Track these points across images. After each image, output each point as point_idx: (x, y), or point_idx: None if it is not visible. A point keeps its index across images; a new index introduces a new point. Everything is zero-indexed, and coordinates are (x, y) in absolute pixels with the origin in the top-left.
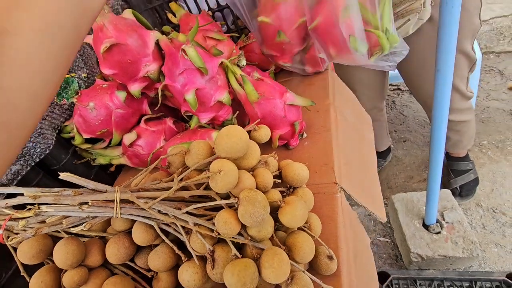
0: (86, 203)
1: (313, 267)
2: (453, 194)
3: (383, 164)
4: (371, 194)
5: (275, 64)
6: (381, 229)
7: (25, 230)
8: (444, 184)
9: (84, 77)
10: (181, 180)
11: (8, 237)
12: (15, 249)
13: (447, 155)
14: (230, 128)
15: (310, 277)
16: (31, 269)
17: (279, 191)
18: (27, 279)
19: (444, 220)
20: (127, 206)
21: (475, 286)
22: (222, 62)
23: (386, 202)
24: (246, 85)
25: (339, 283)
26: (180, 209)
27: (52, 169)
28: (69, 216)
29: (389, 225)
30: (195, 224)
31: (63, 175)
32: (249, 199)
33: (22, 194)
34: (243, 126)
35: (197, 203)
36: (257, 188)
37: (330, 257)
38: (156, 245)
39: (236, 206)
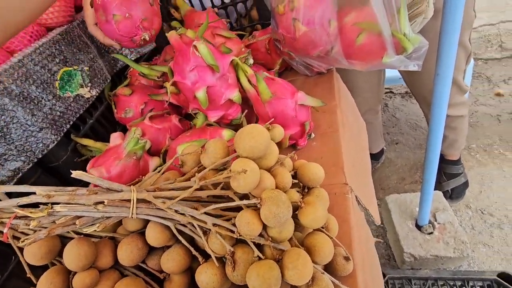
0: (102, 202)
1: (329, 268)
2: (444, 196)
3: (376, 165)
4: (369, 197)
5: (281, 53)
6: (374, 229)
7: (36, 231)
8: (436, 186)
9: (87, 70)
10: (199, 179)
11: (14, 236)
12: (20, 249)
13: (441, 158)
14: (253, 127)
15: (329, 278)
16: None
17: (296, 191)
18: (34, 281)
19: (436, 221)
20: (143, 206)
21: (467, 285)
22: (232, 60)
23: (379, 203)
24: (259, 83)
25: (355, 283)
26: (197, 209)
27: (50, 166)
28: (82, 216)
29: (382, 225)
30: (214, 225)
31: (76, 174)
32: (272, 199)
33: (34, 193)
34: None
35: (213, 204)
36: (276, 188)
37: (346, 258)
38: (168, 247)
39: (259, 206)
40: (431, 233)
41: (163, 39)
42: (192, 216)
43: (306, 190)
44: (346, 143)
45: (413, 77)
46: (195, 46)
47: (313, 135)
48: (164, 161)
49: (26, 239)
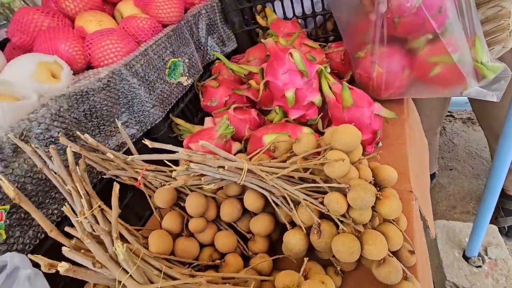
0: (223, 167)
1: (395, 257)
2: (499, 232)
3: None
4: (428, 211)
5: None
6: None
7: (161, 182)
8: (491, 220)
9: (187, 61)
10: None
11: (144, 184)
12: (149, 195)
13: (501, 192)
14: (348, 127)
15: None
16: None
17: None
18: (159, 218)
19: (487, 255)
20: (249, 175)
21: None
22: (318, 68)
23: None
24: (344, 91)
25: (416, 275)
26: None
27: (151, 137)
28: (206, 175)
29: None
30: (304, 200)
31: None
32: (361, 186)
33: (177, 152)
34: (322, 127)
35: (301, 184)
36: None
37: (411, 252)
38: (254, 215)
39: (347, 190)
40: (480, 266)
41: (241, 40)
42: (286, 190)
43: (378, 189)
44: (412, 156)
45: (482, 104)
46: (290, 54)
47: (380, 143)
48: (245, 147)
49: (170, 183)
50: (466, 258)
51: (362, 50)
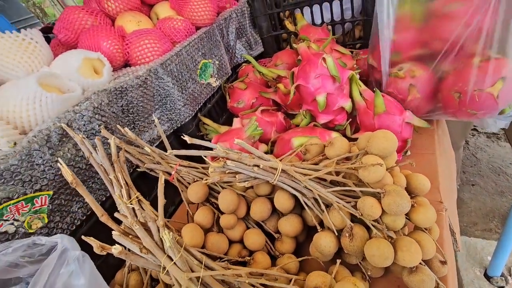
0: (258, 165)
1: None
2: None
3: None
4: (455, 223)
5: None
6: None
7: (193, 178)
8: None
9: (217, 63)
10: (325, 166)
11: (177, 179)
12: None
13: None
14: (386, 132)
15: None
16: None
17: None
18: (190, 212)
19: (510, 275)
20: (283, 176)
21: None
22: (350, 74)
23: None
24: (377, 97)
25: (446, 286)
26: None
27: (179, 135)
28: (241, 173)
29: None
30: (337, 203)
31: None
32: (396, 192)
33: (213, 149)
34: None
35: (333, 187)
36: None
37: (442, 262)
38: (282, 215)
39: (382, 196)
40: (502, 287)
41: (267, 45)
42: (319, 192)
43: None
44: (441, 166)
45: None
46: (324, 58)
47: (409, 152)
48: (271, 149)
49: (208, 178)
50: (487, 277)
51: (398, 68)
